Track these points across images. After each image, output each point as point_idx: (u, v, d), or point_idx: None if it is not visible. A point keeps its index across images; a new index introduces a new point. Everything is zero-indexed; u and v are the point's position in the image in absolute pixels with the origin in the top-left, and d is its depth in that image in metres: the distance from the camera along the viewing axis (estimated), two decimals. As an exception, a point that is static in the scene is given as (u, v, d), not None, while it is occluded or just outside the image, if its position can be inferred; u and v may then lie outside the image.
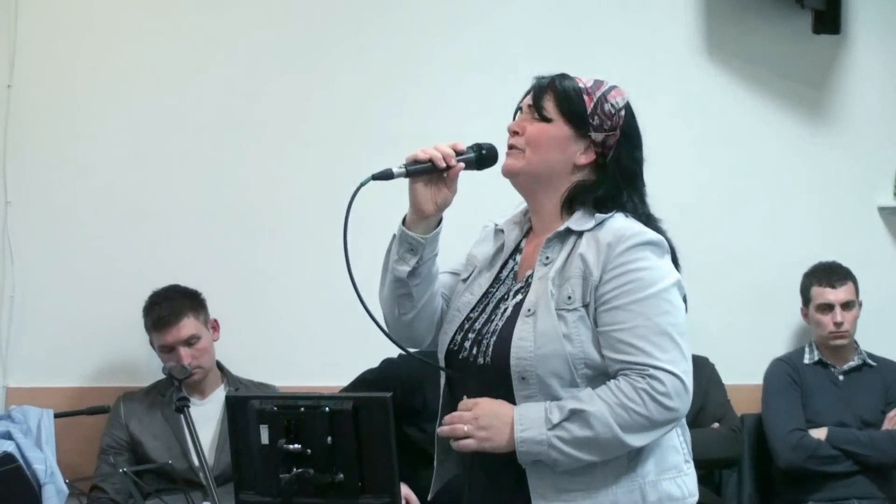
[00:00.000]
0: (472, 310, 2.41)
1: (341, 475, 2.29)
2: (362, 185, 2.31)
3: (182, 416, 3.19)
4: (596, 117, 2.35)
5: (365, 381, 3.80)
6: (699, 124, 4.53)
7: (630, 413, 2.20)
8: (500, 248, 2.47)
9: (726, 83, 4.54)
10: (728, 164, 4.55)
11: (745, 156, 4.56)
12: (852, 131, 4.61)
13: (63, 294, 4.17)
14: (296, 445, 2.29)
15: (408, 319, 2.45)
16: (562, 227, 2.34)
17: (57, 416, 3.67)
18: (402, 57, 4.36)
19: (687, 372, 2.24)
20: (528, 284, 2.35)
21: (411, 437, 3.56)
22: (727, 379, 4.28)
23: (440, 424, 2.35)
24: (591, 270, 2.27)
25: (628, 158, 2.37)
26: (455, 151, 2.38)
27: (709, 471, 4.24)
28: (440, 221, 2.41)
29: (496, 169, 2.41)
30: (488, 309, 2.39)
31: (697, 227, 4.31)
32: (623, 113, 2.37)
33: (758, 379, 4.38)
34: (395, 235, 2.41)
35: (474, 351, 2.35)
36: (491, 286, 2.43)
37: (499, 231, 2.50)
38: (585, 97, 2.36)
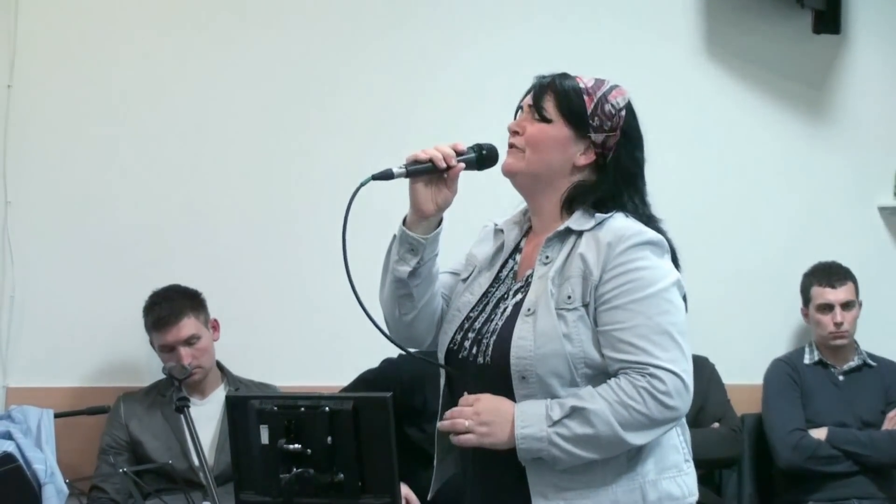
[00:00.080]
0: (472, 309, 2.41)
1: (341, 475, 2.29)
2: (362, 184, 2.31)
3: (182, 416, 3.19)
4: (596, 118, 2.35)
5: (365, 381, 3.81)
6: (699, 124, 4.53)
7: (630, 411, 2.20)
8: (500, 248, 2.47)
9: (726, 83, 4.54)
10: (728, 163, 4.55)
11: (744, 155, 4.56)
12: (852, 131, 4.62)
13: (63, 294, 4.17)
14: (296, 445, 2.29)
15: (408, 320, 2.45)
16: (562, 227, 2.34)
17: (57, 416, 3.67)
18: (404, 58, 4.36)
19: (687, 371, 2.24)
20: (527, 284, 2.35)
21: (411, 437, 3.56)
22: (727, 379, 4.28)
23: (441, 420, 2.35)
24: (591, 270, 2.27)
25: (628, 159, 2.37)
26: (455, 152, 2.38)
27: (709, 471, 4.24)
28: (441, 222, 2.41)
29: (496, 169, 2.41)
30: (488, 308, 2.39)
31: (697, 227, 4.31)
32: (623, 113, 2.37)
33: (758, 379, 4.38)
34: (395, 236, 2.41)
35: (474, 350, 2.35)
36: (491, 286, 2.43)
37: (498, 231, 2.50)
38: (586, 97, 2.36)
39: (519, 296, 2.35)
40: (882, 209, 4.63)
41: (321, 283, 4.10)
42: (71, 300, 4.17)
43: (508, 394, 2.28)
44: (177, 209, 4.24)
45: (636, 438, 2.22)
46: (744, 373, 4.38)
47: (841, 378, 4.33)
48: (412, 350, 2.49)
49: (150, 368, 4.11)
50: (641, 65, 4.36)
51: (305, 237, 4.21)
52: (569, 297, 2.27)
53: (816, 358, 4.35)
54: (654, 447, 2.29)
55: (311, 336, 4.26)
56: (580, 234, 2.32)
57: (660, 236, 2.32)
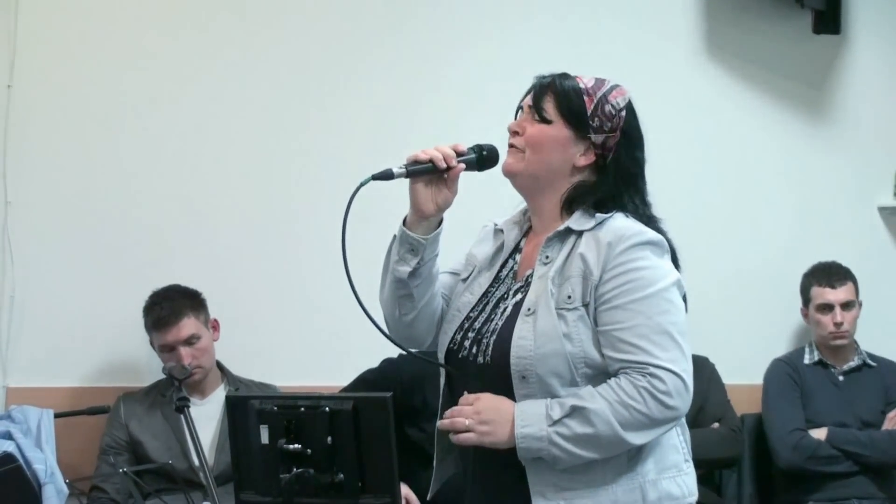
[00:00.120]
0: (472, 309, 2.41)
1: (341, 475, 2.29)
2: (362, 185, 2.31)
3: (182, 416, 3.19)
4: (596, 119, 2.35)
5: (365, 381, 3.81)
6: (699, 124, 4.53)
7: (630, 411, 2.20)
8: (500, 248, 2.47)
9: (726, 83, 4.54)
10: (728, 163, 4.56)
11: (744, 155, 4.56)
12: (852, 131, 4.62)
13: (63, 294, 4.17)
14: (296, 445, 2.29)
15: (408, 320, 2.45)
16: (562, 227, 2.34)
17: (57, 416, 3.67)
18: (404, 58, 4.36)
19: (687, 371, 2.24)
20: (527, 284, 2.35)
21: (411, 437, 3.56)
22: (727, 379, 4.28)
23: (441, 419, 2.35)
24: (591, 270, 2.27)
25: (628, 159, 2.37)
26: (456, 152, 2.38)
27: (709, 471, 4.24)
28: (441, 222, 2.41)
29: (496, 169, 2.41)
30: (488, 308, 2.39)
31: (697, 227, 4.31)
32: (624, 113, 2.37)
33: (758, 379, 4.38)
34: (395, 236, 2.41)
35: (474, 350, 2.35)
36: (491, 286, 2.43)
37: (498, 231, 2.50)
38: (586, 98, 2.36)
39: (519, 295, 2.35)
40: (882, 209, 4.63)
41: (321, 283, 4.10)
42: (71, 300, 4.17)
43: (508, 393, 2.28)
44: (177, 209, 4.24)
45: (636, 438, 2.22)
46: (744, 373, 4.38)
47: (841, 378, 4.33)
48: (412, 350, 2.49)
49: (150, 368, 4.11)
50: (641, 65, 4.36)
51: (306, 237, 4.21)
52: (569, 297, 2.27)
53: (816, 358, 4.35)
54: (654, 447, 2.29)
55: (311, 336, 4.26)
56: (580, 233, 2.32)
57: (660, 236, 2.32)
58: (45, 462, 3.43)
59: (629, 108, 2.38)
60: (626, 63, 4.24)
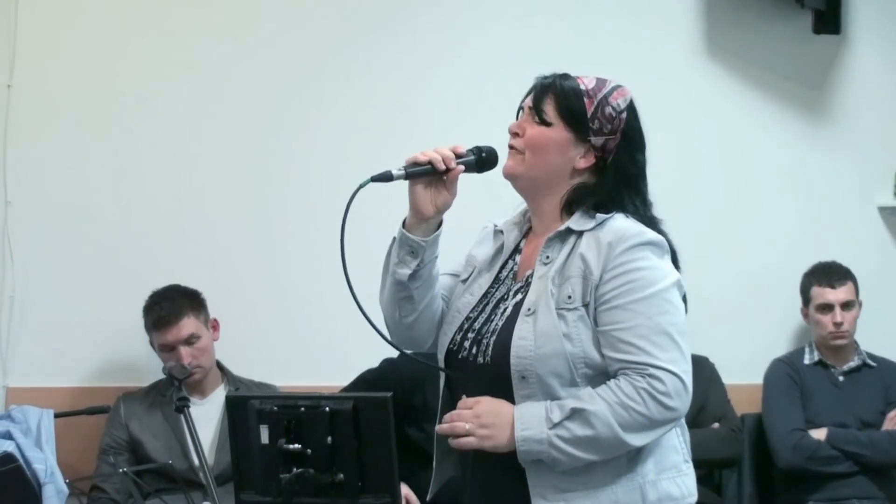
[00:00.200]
0: (472, 310, 2.41)
1: (341, 475, 2.29)
2: (361, 186, 2.31)
3: (182, 415, 3.19)
4: (596, 121, 2.34)
5: (365, 381, 3.81)
6: (699, 124, 4.53)
7: (630, 412, 2.20)
8: (500, 249, 2.47)
9: (726, 83, 4.54)
10: (728, 163, 4.55)
11: (744, 156, 4.56)
12: (852, 131, 4.61)
13: (63, 294, 4.17)
14: (296, 445, 2.29)
15: (409, 322, 2.45)
16: (562, 227, 2.34)
17: (57, 416, 3.67)
18: (403, 59, 4.36)
19: (687, 372, 2.24)
20: (527, 284, 2.35)
21: (411, 437, 3.56)
22: (727, 379, 4.28)
23: (440, 423, 2.35)
24: (592, 270, 2.27)
25: (628, 161, 2.37)
26: (455, 154, 2.38)
27: (709, 471, 4.24)
28: (440, 224, 2.41)
29: (496, 171, 2.41)
30: (488, 309, 2.39)
31: (697, 227, 4.30)
32: (624, 115, 2.36)
33: (758, 379, 4.38)
34: (395, 238, 2.41)
35: (474, 350, 2.35)
36: (491, 287, 2.43)
37: (498, 232, 2.50)
38: (586, 100, 2.35)
39: (519, 296, 2.35)
40: (882, 209, 4.63)
41: (321, 284, 4.10)
42: (71, 300, 4.17)
43: (508, 394, 2.28)
44: (177, 209, 4.24)
45: (636, 439, 2.22)
46: (744, 373, 4.38)
47: (841, 378, 4.33)
48: (409, 352, 2.49)
49: (150, 368, 4.11)
50: (641, 65, 4.36)
51: (306, 237, 4.21)
52: (569, 297, 2.27)
53: (816, 358, 4.35)
54: (654, 448, 2.29)
55: (311, 336, 4.27)
56: (580, 234, 2.32)
57: (660, 237, 2.32)
58: (45, 462, 3.43)
59: (630, 109, 2.37)
60: (626, 63, 4.24)
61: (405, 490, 3.51)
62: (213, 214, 4.26)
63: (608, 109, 2.35)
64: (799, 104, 4.59)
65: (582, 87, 2.37)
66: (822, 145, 4.60)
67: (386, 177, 2.33)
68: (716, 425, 4.14)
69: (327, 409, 2.28)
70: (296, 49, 4.31)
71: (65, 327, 4.16)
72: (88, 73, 4.21)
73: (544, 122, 2.36)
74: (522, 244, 2.45)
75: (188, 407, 3.19)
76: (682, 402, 2.23)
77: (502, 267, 2.44)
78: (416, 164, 2.35)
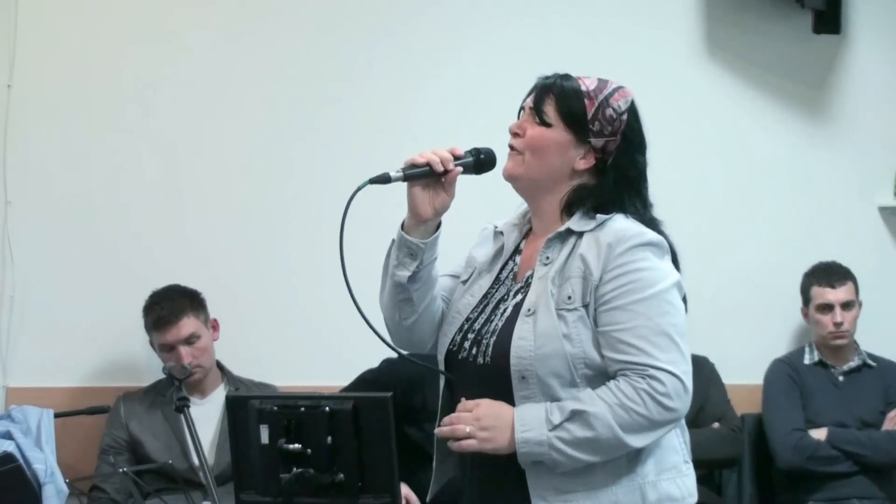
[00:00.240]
0: (472, 311, 2.41)
1: (341, 475, 2.29)
2: (359, 189, 2.31)
3: (182, 415, 3.19)
4: (596, 122, 2.34)
5: (365, 380, 3.81)
6: (699, 124, 4.52)
7: (630, 413, 2.20)
8: (500, 250, 2.47)
9: (726, 83, 4.54)
10: (728, 163, 4.55)
11: (744, 155, 4.56)
12: (852, 131, 4.61)
13: (63, 294, 4.17)
14: (296, 445, 2.29)
15: (409, 324, 2.45)
16: (562, 228, 2.34)
17: (57, 416, 3.67)
18: (402, 60, 4.36)
19: (687, 373, 2.24)
20: (527, 285, 2.35)
21: (411, 437, 3.56)
22: (727, 379, 4.28)
23: (440, 425, 2.35)
24: (592, 270, 2.27)
25: (629, 163, 2.36)
26: (453, 156, 2.37)
27: (709, 471, 4.24)
28: (439, 226, 2.40)
29: (497, 171, 2.41)
30: (488, 310, 2.39)
31: (697, 227, 4.30)
32: (625, 117, 2.35)
33: (758, 379, 4.38)
34: (394, 240, 2.41)
35: (474, 351, 2.35)
36: (491, 287, 2.42)
37: (498, 233, 2.50)
38: (587, 101, 2.35)
39: (519, 296, 2.35)
40: (882, 209, 4.63)
41: (321, 284, 4.09)
42: (71, 300, 4.17)
43: (508, 394, 2.28)
44: (177, 209, 4.24)
45: (636, 440, 2.22)
46: (744, 373, 4.38)
47: (841, 378, 4.33)
48: (407, 354, 2.48)
49: (150, 368, 4.11)
50: (641, 65, 4.35)
51: (306, 237, 4.21)
52: (569, 298, 2.27)
53: (816, 358, 4.35)
54: (654, 448, 2.29)
55: (312, 336, 4.26)
56: (581, 234, 2.32)
57: (660, 237, 2.32)
58: (45, 462, 3.43)
59: (631, 110, 2.37)
60: (626, 63, 4.24)
61: (405, 490, 3.51)
62: (213, 214, 4.26)
63: (609, 111, 2.35)
64: (799, 104, 4.59)
65: (583, 88, 2.36)
66: (822, 145, 4.60)
67: (384, 179, 2.33)
68: (716, 425, 4.14)
69: (327, 409, 2.28)
70: (296, 49, 4.31)
71: (65, 327, 4.16)
72: (88, 73, 4.21)
73: (545, 123, 2.35)
74: (522, 245, 2.45)
75: (188, 407, 3.19)
76: (683, 402, 2.23)
77: (502, 268, 2.44)
78: (413, 165, 2.35)
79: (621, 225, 2.31)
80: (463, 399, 2.32)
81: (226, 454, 3.58)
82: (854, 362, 4.36)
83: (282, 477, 2.29)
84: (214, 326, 4.04)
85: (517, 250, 2.45)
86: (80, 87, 4.21)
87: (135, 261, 4.18)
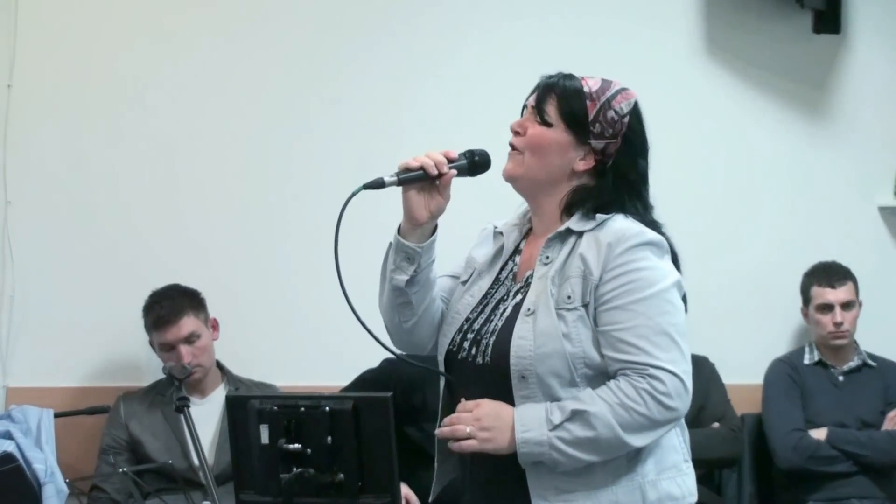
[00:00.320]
0: (472, 311, 2.41)
1: (341, 475, 2.29)
2: (353, 194, 2.31)
3: (182, 415, 3.19)
4: (597, 124, 2.34)
5: (365, 380, 3.81)
6: (699, 124, 4.52)
7: (631, 413, 2.20)
8: (500, 250, 2.46)
9: (726, 83, 4.54)
10: (728, 163, 4.55)
11: (744, 155, 4.56)
12: (852, 131, 4.61)
13: (63, 294, 4.17)
14: (296, 445, 2.29)
15: (409, 326, 2.45)
16: (562, 228, 2.34)
17: (57, 415, 3.67)
18: (401, 61, 4.36)
19: (687, 372, 2.24)
20: (527, 284, 2.35)
21: (411, 437, 3.56)
22: (727, 379, 4.28)
23: (440, 426, 2.35)
24: (591, 270, 2.27)
25: (629, 165, 2.36)
26: (447, 158, 2.37)
27: (709, 471, 4.24)
28: (435, 229, 2.40)
29: (497, 171, 2.41)
30: (487, 310, 2.39)
31: (697, 227, 4.30)
32: (627, 119, 2.35)
33: (758, 379, 4.38)
34: (390, 244, 2.41)
35: (473, 351, 2.35)
36: (490, 288, 2.42)
37: (498, 233, 2.50)
38: (588, 103, 2.34)
39: (519, 296, 2.35)
40: (882, 209, 4.63)
41: (321, 284, 4.08)
42: (71, 300, 4.17)
43: (507, 394, 2.28)
44: (177, 209, 4.24)
45: (637, 440, 2.22)
46: (744, 373, 4.38)
47: (841, 378, 4.33)
48: (406, 355, 2.48)
49: (150, 368, 4.11)
50: (641, 65, 4.35)
51: (305, 237, 4.20)
52: (569, 297, 2.27)
53: (816, 358, 4.35)
54: (654, 448, 2.29)
55: (311, 336, 4.26)
56: (581, 234, 2.32)
57: (660, 237, 2.32)
58: (45, 462, 3.43)
59: (634, 113, 2.36)
60: (626, 63, 4.24)
61: (405, 490, 3.51)
62: (212, 214, 4.26)
63: (610, 113, 2.34)
64: (799, 104, 4.59)
65: (586, 88, 2.36)
66: (822, 145, 4.60)
67: (378, 184, 2.32)
68: (716, 425, 4.14)
69: (327, 409, 2.28)
70: (296, 49, 4.31)
71: (65, 327, 4.16)
72: (88, 73, 4.21)
73: (545, 123, 2.35)
74: (522, 245, 2.45)
75: (188, 407, 3.19)
76: (683, 402, 2.23)
77: (502, 268, 2.44)
78: (408, 169, 2.34)
79: (621, 225, 2.30)
80: (463, 399, 2.32)
81: (226, 454, 3.58)
82: (854, 362, 4.36)
83: (282, 477, 2.29)
84: (214, 326, 4.04)
85: (517, 250, 2.45)
86: (80, 87, 4.21)
87: (135, 261, 4.18)
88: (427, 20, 4.39)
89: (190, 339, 3.88)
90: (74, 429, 3.91)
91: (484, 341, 2.34)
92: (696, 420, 4.03)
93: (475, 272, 2.47)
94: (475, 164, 2.40)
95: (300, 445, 2.28)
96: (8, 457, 3.33)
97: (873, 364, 4.36)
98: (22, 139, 4.17)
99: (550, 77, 2.39)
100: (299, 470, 2.28)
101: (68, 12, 4.22)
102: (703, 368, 4.14)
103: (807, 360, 4.35)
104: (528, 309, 2.29)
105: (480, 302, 2.41)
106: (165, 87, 4.25)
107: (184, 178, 4.25)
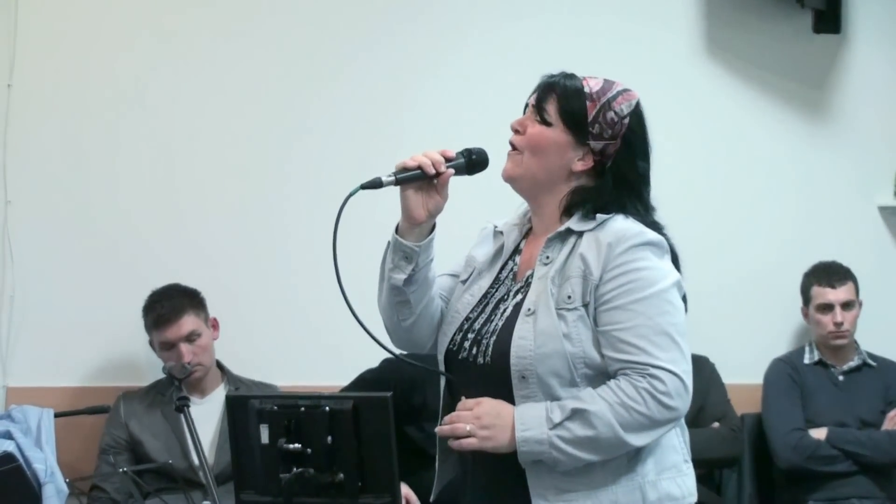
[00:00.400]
0: (472, 310, 2.41)
1: (341, 475, 2.29)
2: (351, 194, 2.31)
3: (182, 415, 3.19)
4: (597, 125, 2.34)
5: (365, 380, 3.81)
6: (699, 123, 4.52)
7: (631, 412, 2.20)
8: (500, 250, 2.46)
9: (726, 83, 4.54)
10: (728, 163, 4.55)
11: (745, 155, 4.56)
12: (852, 131, 4.61)
13: (63, 294, 4.17)
14: (296, 445, 2.29)
15: (408, 325, 2.45)
16: (562, 228, 2.34)
17: (57, 415, 3.66)
18: (400, 60, 4.36)
19: (687, 372, 2.24)
20: (527, 284, 2.35)
21: (411, 437, 3.56)
22: (727, 379, 4.28)
23: (440, 425, 2.35)
24: (592, 270, 2.27)
25: (628, 167, 2.35)
26: (444, 157, 2.37)
27: (709, 471, 4.24)
28: (433, 228, 2.40)
29: (495, 171, 2.41)
30: (488, 309, 2.39)
31: (697, 227, 4.30)
32: (627, 121, 2.34)
33: (758, 379, 4.38)
34: (389, 243, 2.41)
35: (474, 351, 2.35)
36: (490, 287, 2.42)
37: (498, 233, 2.50)
38: (588, 103, 2.34)
39: (519, 296, 2.35)
40: (882, 209, 4.63)
41: (321, 284, 4.06)
42: (71, 300, 4.17)
43: (508, 394, 2.28)
44: (177, 209, 4.24)
45: (637, 439, 2.22)
46: (744, 373, 4.38)
47: (841, 378, 4.33)
48: (406, 354, 2.48)
49: (150, 368, 4.11)
50: (641, 65, 4.35)
51: (305, 237, 4.20)
52: (569, 297, 2.27)
53: (816, 358, 4.35)
54: (654, 448, 2.29)
55: (311, 336, 4.26)
56: (581, 234, 2.32)
57: (660, 237, 2.32)
58: (45, 462, 3.43)
59: (634, 114, 2.36)
60: (626, 63, 4.24)
61: (405, 490, 3.51)
62: (212, 214, 4.26)
63: (610, 114, 2.34)
64: (799, 104, 4.59)
65: (586, 89, 2.35)
66: (822, 145, 4.60)
67: (375, 184, 2.32)
68: (716, 425, 4.14)
69: (327, 408, 2.28)
70: (295, 49, 4.31)
71: (65, 327, 4.16)
72: (88, 73, 4.22)
73: (545, 122, 2.35)
74: (522, 245, 2.45)
75: (188, 406, 3.19)
76: (683, 401, 2.23)
77: (502, 267, 2.44)
78: (405, 169, 2.34)
79: (621, 225, 2.30)
80: (463, 398, 2.32)
81: (226, 454, 3.58)
82: (854, 362, 4.36)
83: (282, 477, 2.29)
84: (214, 325, 4.04)
85: (517, 250, 2.45)
86: (80, 86, 4.21)
87: (135, 261, 4.18)
88: (427, 20, 4.40)
89: (190, 337, 3.89)
90: (74, 429, 3.91)
91: (484, 341, 2.34)
92: (696, 420, 4.03)
93: (475, 271, 2.47)
94: (473, 162, 2.40)
95: (300, 445, 2.28)
96: (8, 457, 3.33)
97: (873, 364, 4.36)
98: (22, 139, 4.17)
99: (552, 76, 2.39)
100: (299, 470, 2.28)
101: (68, 12, 4.22)
102: (703, 368, 4.14)
103: (807, 360, 4.35)
104: (529, 309, 2.29)
105: (480, 301, 2.41)
106: (165, 87, 4.25)
107: (184, 178, 4.25)
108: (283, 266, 4.28)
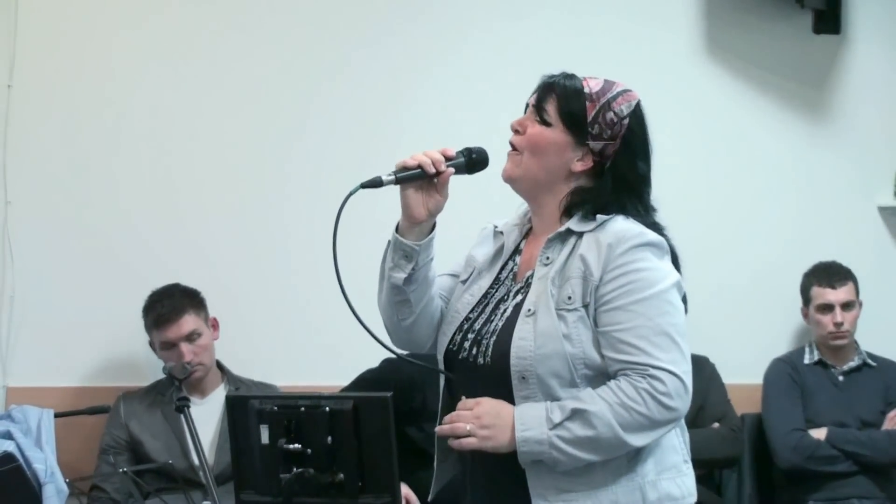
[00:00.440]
0: (472, 311, 2.41)
1: (341, 475, 2.29)
2: (351, 194, 2.31)
3: (182, 415, 3.19)
4: (596, 126, 2.33)
5: (365, 380, 3.81)
6: (699, 124, 4.53)
7: (631, 413, 2.20)
8: (500, 250, 2.46)
9: (727, 83, 4.54)
10: (728, 163, 4.55)
11: (744, 155, 4.56)
12: (852, 131, 4.61)
13: (63, 294, 4.17)
14: (296, 445, 2.29)
15: (407, 324, 2.45)
16: (562, 228, 2.34)
17: (57, 415, 3.67)
18: (400, 60, 4.36)
19: (687, 372, 2.24)
20: (527, 285, 2.35)
21: (411, 437, 3.56)
22: (727, 379, 4.28)
23: (440, 425, 2.35)
24: (592, 271, 2.27)
25: (627, 167, 2.35)
26: (444, 156, 2.37)
27: (709, 471, 4.24)
28: (433, 227, 2.40)
29: (495, 170, 2.41)
30: (488, 309, 2.39)
31: (697, 227, 4.31)
32: (627, 121, 2.34)
33: (758, 379, 4.38)
34: (389, 242, 2.41)
35: (474, 351, 2.35)
36: (490, 287, 2.42)
37: (498, 233, 2.50)
38: (588, 104, 2.34)
39: (519, 297, 2.35)
40: (882, 209, 4.63)
41: (321, 284, 4.06)
42: (71, 300, 4.17)
43: (508, 394, 2.28)
44: (177, 209, 4.24)
45: (637, 440, 2.22)
46: (744, 373, 4.38)
47: (841, 378, 4.33)
48: (406, 354, 2.48)
49: (150, 368, 4.11)
50: (641, 65, 4.36)
51: (305, 237, 4.20)
52: (569, 298, 2.27)
53: (816, 358, 4.35)
54: (654, 448, 2.29)
55: (311, 336, 4.26)
56: (581, 235, 2.32)
57: (660, 237, 2.31)
58: (45, 462, 3.43)
59: (634, 115, 2.36)
60: (626, 63, 4.25)
61: (405, 490, 3.51)
62: (213, 214, 4.26)
63: (610, 115, 2.34)
64: (799, 104, 4.59)
65: (586, 89, 2.35)
66: (822, 145, 4.60)
67: (376, 183, 2.32)
68: (716, 425, 4.14)
69: (327, 409, 2.28)
70: (295, 48, 4.31)
71: (65, 327, 4.16)
72: (88, 73, 4.21)
73: (545, 122, 2.35)
74: (522, 245, 2.45)
75: (188, 407, 3.19)
76: (683, 402, 2.23)
77: (502, 268, 2.44)
78: (405, 168, 2.34)
79: (621, 225, 2.30)
80: (463, 397, 2.32)
81: (226, 454, 3.58)
82: (854, 362, 4.36)
83: (282, 477, 2.29)
84: (214, 325, 4.04)
85: (517, 250, 2.45)
86: (81, 87, 4.21)
87: (135, 261, 4.18)
88: (426, 20, 4.40)
89: (191, 337, 3.89)
90: (74, 429, 3.91)
91: (484, 341, 2.34)
92: (696, 420, 4.03)
93: (475, 271, 2.47)
94: (473, 161, 2.40)
95: (300, 445, 2.28)
96: (8, 457, 3.33)
97: (873, 364, 4.36)
98: (22, 139, 4.17)
99: (552, 76, 2.39)
100: (299, 470, 2.28)
101: (68, 12, 4.22)
102: (703, 368, 4.14)
103: (807, 360, 4.35)
104: (529, 309, 2.29)
105: (480, 301, 2.41)
106: (165, 88, 4.25)
107: (183, 178, 4.25)
108: (282, 266, 4.28)
